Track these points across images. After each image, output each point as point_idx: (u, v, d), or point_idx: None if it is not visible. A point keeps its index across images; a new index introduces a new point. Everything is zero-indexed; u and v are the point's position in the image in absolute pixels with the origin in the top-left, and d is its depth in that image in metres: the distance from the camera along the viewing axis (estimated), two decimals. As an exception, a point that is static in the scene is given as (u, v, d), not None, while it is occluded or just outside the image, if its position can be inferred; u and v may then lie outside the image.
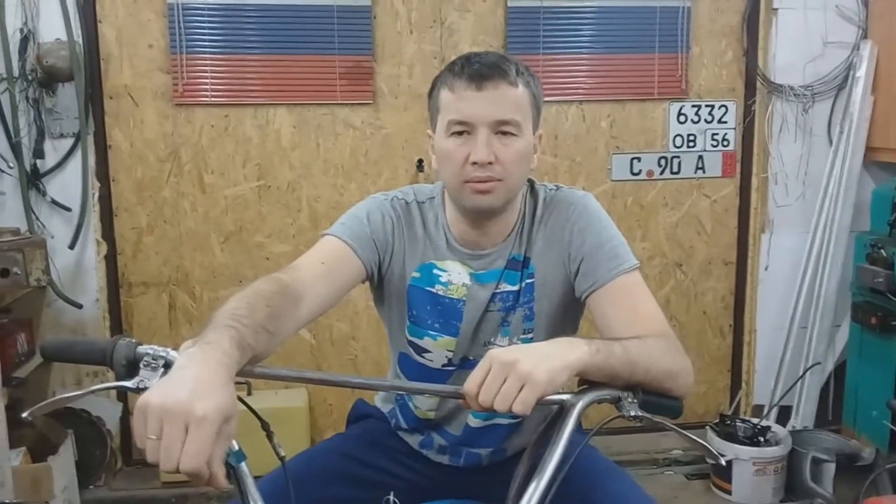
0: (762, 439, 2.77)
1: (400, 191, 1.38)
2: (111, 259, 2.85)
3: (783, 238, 3.14)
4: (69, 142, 2.71)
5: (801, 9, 3.00)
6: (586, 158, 3.07)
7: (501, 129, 1.21)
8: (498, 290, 1.31)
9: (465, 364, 1.33)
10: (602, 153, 3.08)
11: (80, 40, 2.65)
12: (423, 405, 1.38)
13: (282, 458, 1.00)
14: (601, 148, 3.07)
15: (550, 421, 1.02)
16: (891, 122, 2.88)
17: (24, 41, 2.62)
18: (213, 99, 2.82)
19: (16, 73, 2.62)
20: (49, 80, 2.64)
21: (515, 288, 1.31)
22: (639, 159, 3.10)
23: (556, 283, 1.31)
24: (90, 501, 2.73)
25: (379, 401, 1.51)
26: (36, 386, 2.66)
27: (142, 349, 0.95)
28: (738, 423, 2.82)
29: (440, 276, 1.33)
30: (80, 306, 2.74)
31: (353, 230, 1.29)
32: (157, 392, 0.80)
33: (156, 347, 0.94)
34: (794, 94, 3.03)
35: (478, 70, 1.20)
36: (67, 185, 2.73)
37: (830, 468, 2.73)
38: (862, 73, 2.94)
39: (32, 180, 2.70)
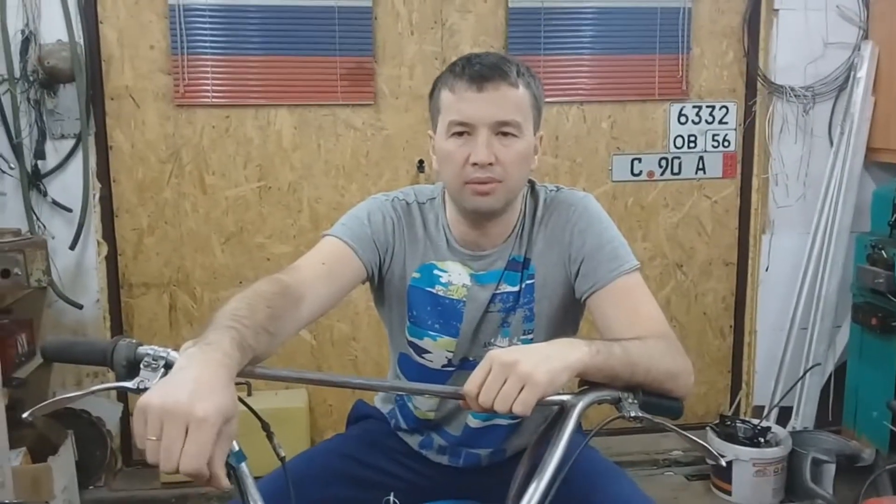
0: (762, 440, 2.77)
1: (401, 191, 1.38)
2: (112, 260, 2.86)
3: (784, 239, 3.14)
4: (70, 143, 2.72)
5: (801, 9, 3.00)
6: (587, 159, 3.07)
7: (502, 129, 1.21)
8: (498, 291, 1.31)
9: (465, 365, 1.33)
10: (603, 154, 3.08)
11: (82, 41, 2.65)
12: (423, 406, 1.38)
13: (282, 459, 1.00)
14: (602, 149, 3.07)
15: (551, 422, 1.02)
16: (891, 123, 2.88)
17: (26, 42, 2.62)
18: (214, 100, 2.82)
19: (17, 74, 2.63)
20: (50, 81, 2.65)
21: (515, 289, 1.31)
22: (639, 160, 3.10)
23: (556, 284, 1.31)
24: (90, 502, 2.73)
25: (378, 401, 1.51)
26: (36, 386, 2.66)
27: (142, 350, 0.95)
28: (738, 424, 2.82)
29: (440, 276, 1.33)
30: (80, 307, 2.74)
31: (354, 231, 1.29)
32: (158, 393, 0.80)
33: (156, 348, 0.94)
34: (795, 95, 3.03)
35: (478, 71, 1.20)
36: (68, 185, 2.73)
37: (830, 469, 2.73)
38: (863, 73, 2.94)
39: (33, 181, 2.70)
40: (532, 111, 1.25)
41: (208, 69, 2.80)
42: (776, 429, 2.87)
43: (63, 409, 2.57)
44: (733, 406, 3.28)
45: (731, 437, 2.78)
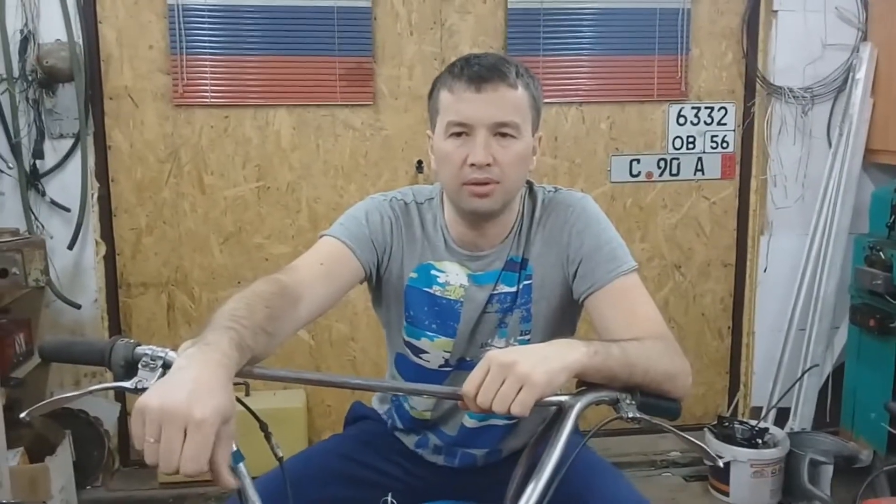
0: (760, 441, 2.77)
1: (399, 191, 1.38)
2: (110, 259, 2.85)
3: (782, 240, 3.14)
4: (69, 142, 2.71)
5: (800, 11, 3.00)
6: (586, 160, 3.07)
7: (500, 130, 1.21)
8: (495, 292, 1.31)
9: (463, 365, 1.33)
10: (601, 155, 3.08)
11: (81, 41, 2.65)
12: (420, 406, 1.38)
13: (280, 459, 1.00)
14: (601, 149, 3.07)
15: (549, 422, 1.02)
16: (890, 125, 2.89)
17: (25, 42, 2.62)
18: (213, 100, 2.82)
19: (16, 73, 2.62)
20: (49, 80, 2.64)
21: (513, 289, 1.31)
22: (638, 161, 3.10)
23: (554, 285, 1.31)
24: (88, 502, 2.72)
25: (375, 401, 1.51)
26: (34, 386, 2.66)
27: (140, 350, 0.95)
28: (736, 425, 2.82)
29: (438, 276, 1.33)
30: (78, 307, 2.74)
31: (352, 231, 1.29)
32: (156, 394, 0.80)
33: (154, 348, 0.94)
34: (794, 96, 3.04)
35: (477, 72, 1.20)
36: (67, 185, 2.73)
37: (828, 470, 2.73)
38: (861, 75, 2.94)
39: (32, 181, 2.70)
40: (531, 112, 1.25)
41: (207, 69, 2.80)
42: (774, 430, 2.87)
43: (61, 409, 2.57)
44: (731, 407, 3.28)
45: (728, 438, 2.79)
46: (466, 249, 1.33)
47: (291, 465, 1.15)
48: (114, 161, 2.82)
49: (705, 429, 2.90)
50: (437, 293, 1.32)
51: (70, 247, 2.73)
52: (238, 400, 0.86)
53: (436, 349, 1.33)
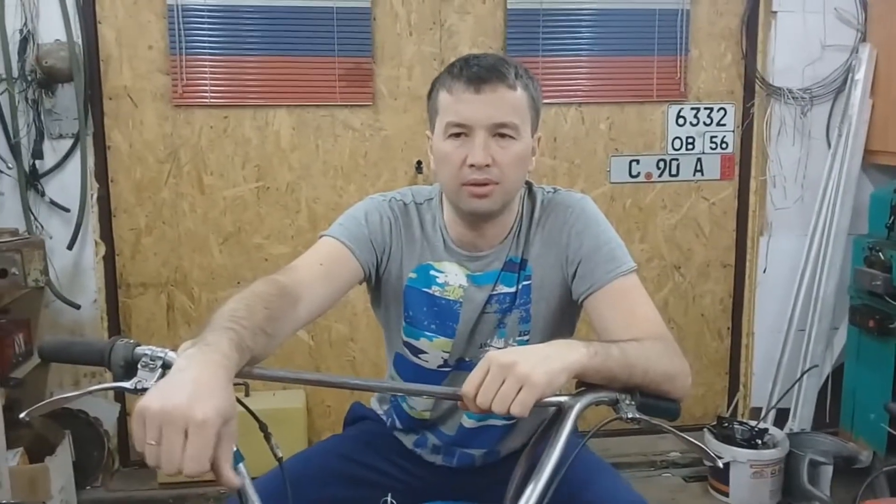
0: (760, 442, 2.77)
1: (398, 192, 1.38)
2: (109, 260, 2.85)
3: (781, 241, 3.14)
4: (68, 142, 2.71)
5: (799, 12, 3.00)
6: (585, 160, 3.07)
7: (499, 131, 1.21)
8: (495, 292, 1.32)
9: (461, 365, 1.34)
10: (601, 155, 3.08)
11: (80, 41, 2.65)
12: (419, 406, 1.39)
13: (279, 459, 1.00)
14: (600, 150, 3.07)
15: (548, 423, 1.03)
16: (889, 125, 2.89)
17: (24, 42, 2.62)
18: (212, 100, 2.82)
19: (15, 73, 2.62)
20: (48, 80, 2.64)
21: (512, 290, 1.31)
22: (637, 161, 3.10)
23: (553, 286, 1.31)
24: (87, 502, 2.72)
25: (374, 402, 1.51)
26: (34, 386, 2.66)
27: (140, 350, 0.95)
28: (735, 426, 2.82)
29: (437, 277, 1.33)
30: (78, 307, 2.74)
31: (351, 231, 1.29)
32: (156, 396, 0.80)
33: (154, 348, 0.95)
34: (793, 97, 3.04)
35: (476, 73, 1.20)
36: (66, 185, 2.73)
37: (828, 471, 2.73)
38: (860, 76, 2.94)
39: (31, 181, 2.69)
40: (530, 113, 1.25)
41: (207, 69, 2.80)
42: (773, 430, 2.87)
43: (60, 409, 2.57)
44: (731, 408, 3.28)
45: (728, 439, 2.79)
46: (465, 250, 1.33)
47: (291, 466, 1.16)
48: (113, 161, 2.82)
49: (705, 429, 2.89)
50: (437, 293, 1.32)
51: (69, 247, 2.72)
52: (238, 400, 0.86)
53: (435, 349, 1.33)
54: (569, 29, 2.97)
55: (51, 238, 2.70)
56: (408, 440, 1.44)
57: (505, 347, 1.31)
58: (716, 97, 3.10)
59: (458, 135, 1.22)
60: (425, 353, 1.34)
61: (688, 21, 3.00)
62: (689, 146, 3.12)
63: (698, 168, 3.14)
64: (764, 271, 3.16)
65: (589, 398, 1.01)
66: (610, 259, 1.25)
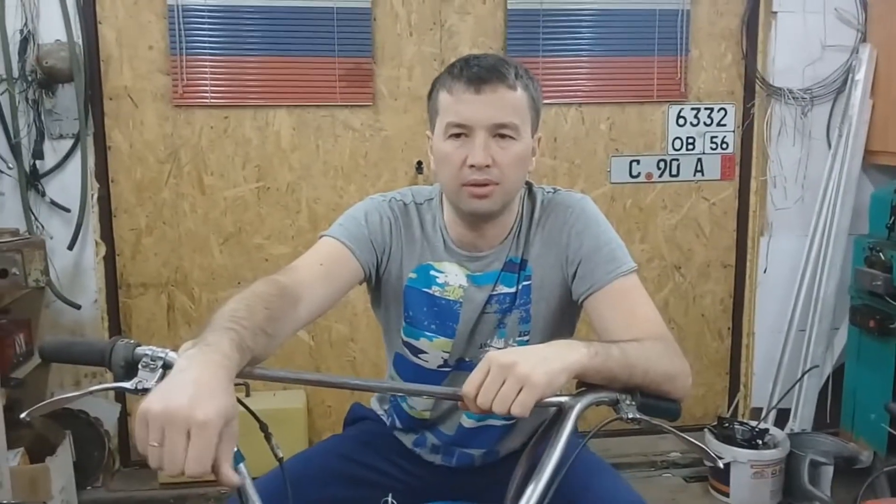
0: (760, 442, 2.77)
1: (398, 192, 1.38)
2: (110, 260, 2.85)
3: (782, 241, 3.14)
4: (69, 143, 2.71)
5: (800, 12, 3.00)
6: (585, 161, 3.07)
7: (499, 132, 1.21)
8: (494, 292, 1.32)
9: (461, 365, 1.34)
10: (601, 155, 3.08)
11: (80, 41, 2.65)
12: (419, 405, 1.39)
13: (280, 459, 1.00)
14: (600, 150, 3.07)
15: (548, 423, 1.03)
16: (889, 126, 2.89)
17: (24, 42, 2.62)
18: (212, 100, 2.82)
19: (16, 73, 2.62)
20: (49, 81, 2.64)
21: (512, 290, 1.31)
22: (638, 162, 3.10)
23: (553, 286, 1.31)
24: (88, 502, 2.72)
25: (374, 402, 1.52)
26: (34, 387, 2.66)
27: (140, 350, 0.95)
28: (736, 426, 2.82)
29: (437, 277, 1.33)
30: (78, 307, 2.74)
31: (352, 231, 1.29)
32: (158, 397, 0.80)
33: (154, 348, 0.95)
34: (793, 98, 3.04)
35: (476, 73, 1.20)
36: (67, 185, 2.73)
37: (828, 471, 2.73)
38: (861, 76, 2.94)
39: (32, 181, 2.70)
40: (530, 113, 1.25)
41: (207, 70, 2.80)
42: (774, 431, 2.87)
43: (61, 409, 2.57)
44: (731, 408, 3.28)
45: (729, 439, 2.79)
46: (465, 250, 1.33)
47: (291, 466, 1.16)
48: (113, 161, 2.82)
49: (705, 430, 2.89)
50: (437, 293, 1.32)
51: (70, 247, 2.73)
52: (238, 401, 0.85)
53: (434, 349, 1.34)
54: (569, 29, 2.97)
55: (51, 238, 2.71)
56: (407, 440, 1.44)
57: (505, 348, 1.31)
58: (716, 97, 3.10)
59: (458, 135, 1.22)
60: (425, 353, 1.34)
61: (688, 21, 3.00)
62: (690, 146, 3.12)
63: (698, 168, 3.14)
64: (764, 271, 3.16)
65: (589, 398, 1.01)
66: (610, 259, 1.25)
